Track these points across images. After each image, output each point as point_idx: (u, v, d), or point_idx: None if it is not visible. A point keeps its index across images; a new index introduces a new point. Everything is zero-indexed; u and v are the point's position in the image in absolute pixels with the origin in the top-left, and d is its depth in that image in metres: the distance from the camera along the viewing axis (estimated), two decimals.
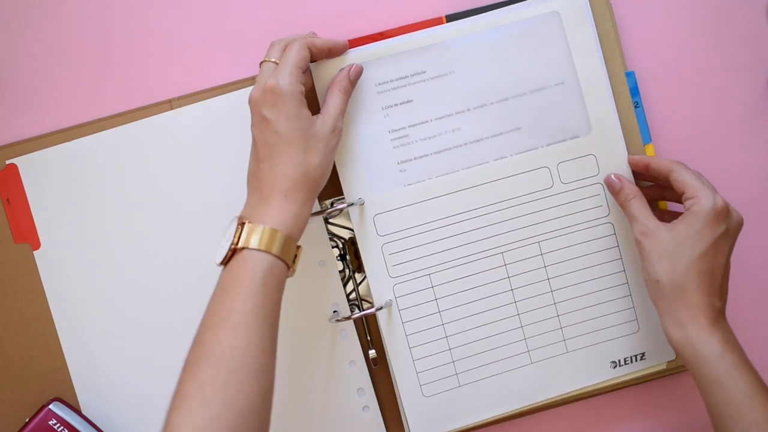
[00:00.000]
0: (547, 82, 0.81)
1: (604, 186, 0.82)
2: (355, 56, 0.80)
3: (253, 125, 0.74)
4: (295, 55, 0.74)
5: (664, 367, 0.84)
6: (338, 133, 0.75)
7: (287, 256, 0.70)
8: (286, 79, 0.72)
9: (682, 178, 0.76)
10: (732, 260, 0.84)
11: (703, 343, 0.72)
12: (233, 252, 0.70)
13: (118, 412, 0.82)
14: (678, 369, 0.84)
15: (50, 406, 0.79)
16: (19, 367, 0.82)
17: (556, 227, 0.82)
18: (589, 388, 0.83)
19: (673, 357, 0.83)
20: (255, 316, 0.68)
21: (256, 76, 0.76)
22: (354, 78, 0.78)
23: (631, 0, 0.85)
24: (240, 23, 0.84)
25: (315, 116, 0.74)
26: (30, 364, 0.82)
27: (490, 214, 0.81)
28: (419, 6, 0.84)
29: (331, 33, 0.84)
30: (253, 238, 0.70)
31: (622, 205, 0.79)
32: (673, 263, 0.74)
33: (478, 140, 0.81)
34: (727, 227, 0.74)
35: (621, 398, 0.86)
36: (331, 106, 0.76)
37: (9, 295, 0.82)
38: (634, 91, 0.84)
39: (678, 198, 0.78)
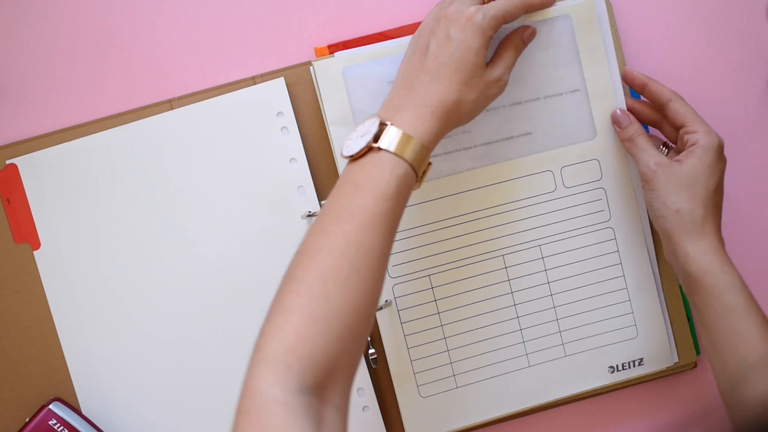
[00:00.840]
0: (562, 89, 0.81)
1: (606, 191, 0.82)
2: (356, 56, 0.80)
3: (432, 34, 0.73)
4: (509, 7, 0.74)
5: (663, 368, 0.84)
6: (502, 85, 0.75)
7: (419, 169, 0.70)
8: (489, 20, 0.72)
9: (683, 110, 0.78)
10: (732, 260, 0.85)
11: (724, 272, 0.74)
12: (369, 149, 0.69)
13: (118, 412, 0.82)
14: (678, 369, 0.85)
15: (50, 406, 0.79)
16: (19, 367, 0.82)
17: (558, 231, 0.82)
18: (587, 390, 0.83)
19: (672, 363, 0.83)
20: (384, 220, 0.67)
21: None
22: (527, 39, 0.78)
23: (631, 0, 0.85)
24: (240, 23, 0.84)
25: (487, 63, 0.75)
26: (30, 364, 0.82)
27: (491, 216, 0.81)
28: (419, 6, 0.84)
29: (331, 33, 0.84)
30: (396, 141, 0.68)
31: (629, 140, 0.79)
32: (693, 193, 0.75)
33: (488, 143, 0.81)
34: (724, 162, 0.77)
35: (620, 399, 0.86)
36: (503, 58, 0.76)
37: (9, 295, 0.82)
38: (634, 92, 0.83)
39: (671, 130, 0.80)
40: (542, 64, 0.81)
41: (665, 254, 0.78)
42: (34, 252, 0.82)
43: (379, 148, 0.68)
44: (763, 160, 0.86)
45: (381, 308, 0.81)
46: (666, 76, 0.85)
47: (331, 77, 0.80)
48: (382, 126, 0.69)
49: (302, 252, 0.66)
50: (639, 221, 0.82)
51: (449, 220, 0.81)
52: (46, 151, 0.82)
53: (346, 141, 0.71)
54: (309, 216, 0.81)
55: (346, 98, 0.80)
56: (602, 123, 0.81)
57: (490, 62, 0.75)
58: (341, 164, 0.80)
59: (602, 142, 0.82)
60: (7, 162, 0.82)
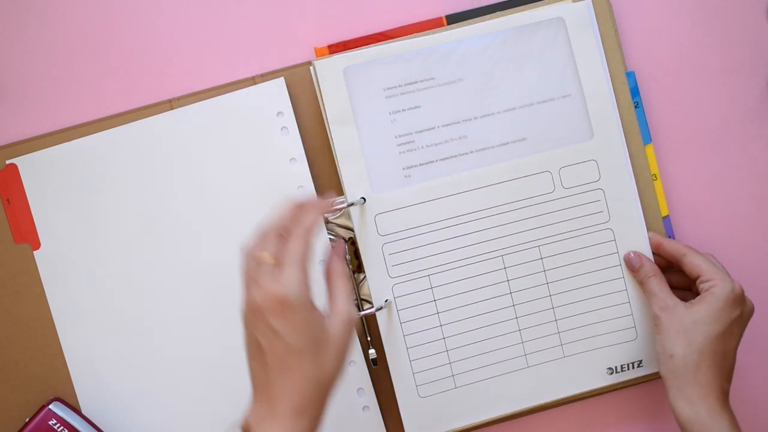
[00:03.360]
0: (554, 94, 0.81)
1: (605, 191, 0.82)
2: (356, 56, 0.80)
3: (256, 329, 0.66)
4: (299, 251, 0.67)
5: None
6: (352, 324, 0.68)
7: None
8: (295, 286, 0.65)
9: (697, 262, 0.78)
10: (732, 260, 0.85)
11: (713, 422, 0.74)
12: None
13: (118, 412, 0.82)
14: None
15: (50, 406, 0.79)
16: (19, 367, 0.82)
17: (557, 232, 0.82)
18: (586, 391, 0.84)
19: None
20: None
21: (246, 270, 0.68)
22: (343, 256, 0.76)
23: (631, 0, 0.85)
24: (240, 23, 0.84)
25: (324, 315, 0.67)
26: (30, 364, 0.82)
27: (491, 217, 0.81)
28: (419, 6, 0.84)
29: (331, 33, 0.84)
30: None
31: (641, 283, 0.81)
32: (689, 339, 0.75)
33: (483, 149, 0.81)
34: (742, 312, 0.76)
35: (619, 400, 0.86)
36: (339, 298, 0.69)
37: (9, 295, 0.82)
38: (634, 91, 0.84)
39: (686, 283, 0.80)
40: (536, 69, 0.81)
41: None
42: (34, 252, 0.82)
43: None
44: (763, 160, 0.86)
45: (381, 308, 0.81)
46: (666, 75, 0.86)
47: (332, 77, 0.80)
48: None
49: None
50: (638, 222, 0.82)
51: (448, 220, 0.81)
52: (46, 151, 0.82)
53: None
54: None
55: (346, 98, 0.80)
56: (599, 124, 0.82)
57: (329, 311, 0.69)
58: (342, 164, 0.81)
59: (599, 143, 0.82)
60: (7, 162, 0.82)
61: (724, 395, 0.75)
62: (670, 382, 0.76)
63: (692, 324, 0.76)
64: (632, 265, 0.81)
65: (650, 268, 0.81)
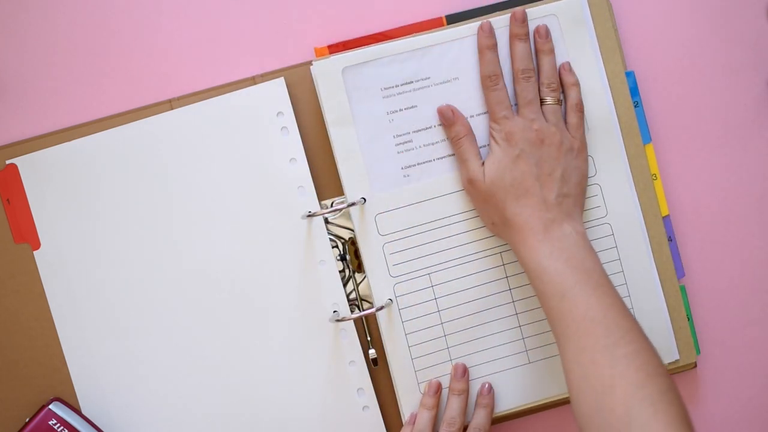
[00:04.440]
0: None
1: (602, 187, 0.82)
2: (355, 56, 0.80)
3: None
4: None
5: None
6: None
7: None
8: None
9: (485, 100, 0.80)
10: (732, 260, 0.85)
11: (530, 258, 0.74)
12: None
13: (118, 412, 0.82)
14: (677, 369, 0.84)
15: (50, 406, 0.79)
16: (19, 367, 0.82)
17: None
18: None
19: (673, 359, 0.83)
20: None
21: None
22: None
23: (631, 0, 0.85)
24: (240, 23, 0.84)
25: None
26: (30, 364, 0.82)
27: None
28: (419, 6, 0.84)
29: (332, 33, 0.84)
30: None
31: (452, 142, 0.80)
32: (494, 201, 0.77)
33: (481, 146, 0.81)
34: (521, 149, 0.76)
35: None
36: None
37: (9, 295, 0.82)
38: (634, 91, 0.84)
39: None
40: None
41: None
42: (34, 252, 0.82)
43: None
44: (764, 160, 0.86)
45: (382, 308, 0.81)
46: (666, 75, 0.86)
47: (331, 77, 0.80)
48: None
49: None
50: (636, 216, 0.82)
51: (447, 219, 0.81)
52: (46, 151, 0.82)
53: None
54: (309, 216, 0.81)
55: (345, 98, 0.80)
56: (594, 120, 0.82)
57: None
58: (341, 164, 0.81)
59: (595, 138, 0.82)
60: (7, 162, 0.82)
61: (544, 226, 0.75)
62: (509, 242, 0.77)
63: (490, 184, 0.77)
64: (445, 118, 0.80)
65: (462, 127, 0.80)
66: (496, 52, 0.80)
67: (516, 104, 0.79)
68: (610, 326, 0.70)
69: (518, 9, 0.80)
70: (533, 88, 0.79)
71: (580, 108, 0.80)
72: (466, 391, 0.81)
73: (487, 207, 0.78)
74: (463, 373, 0.81)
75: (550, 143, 0.77)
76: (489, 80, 0.79)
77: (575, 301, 0.72)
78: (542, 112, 0.78)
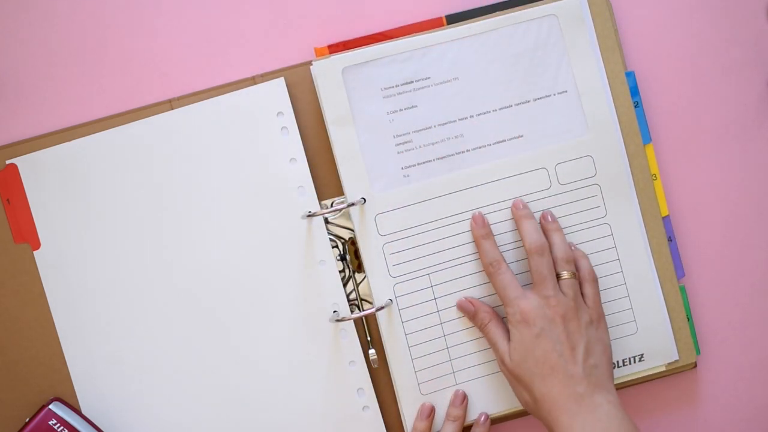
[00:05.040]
0: (550, 90, 0.82)
1: (601, 187, 0.82)
2: (355, 56, 0.80)
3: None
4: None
5: (663, 368, 0.84)
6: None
7: None
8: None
9: (494, 288, 0.79)
10: (732, 260, 0.85)
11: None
12: None
13: (118, 412, 0.82)
14: (677, 370, 0.84)
15: (50, 406, 0.79)
16: (19, 367, 0.82)
17: None
18: None
19: (673, 359, 0.83)
20: None
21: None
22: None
23: (631, 0, 0.85)
24: (240, 23, 0.84)
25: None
26: (30, 364, 0.82)
27: (489, 214, 0.81)
28: (419, 6, 0.84)
29: (331, 33, 0.84)
30: None
31: (480, 330, 0.81)
32: (523, 382, 0.76)
33: (480, 147, 0.81)
34: (541, 328, 0.76)
35: (622, 398, 0.85)
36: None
37: (9, 295, 0.82)
38: (634, 91, 0.84)
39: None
40: (531, 66, 0.82)
41: None
42: (34, 252, 0.82)
43: None
44: (764, 160, 0.86)
45: (382, 308, 0.81)
46: (666, 75, 0.86)
47: (331, 77, 0.80)
48: None
49: None
50: (635, 217, 0.82)
51: (447, 218, 0.81)
52: (46, 151, 0.82)
53: None
54: (309, 216, 0.81)
55: (345, 98, 0.80)
56: (594, 120, 0.82)
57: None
58: (341, 164, 0.81)
59: (595, 138, 0.82)
60: (7, 162, 0.82)
61: (576, 403, 0.74)
62: (545, 424, 0.76)
63: (517, 367, 0.76)
64: (467, 312, 0.81)
65: (486, 313, 0.80)
66: (493, 239, 0.80)
67: (531, 281, 0.79)
68: None
69: (516, 201, 0.81)
70: (548, 263, 0.78)
71: (594, 278, 0.80)
72: (462, 418, 0.81)
73: (518, 387, 0.77)
74: (462, 400, 0.81)
75: (570, 318, 0.76)
76: (491, 267, 0.79)
77: None
78: (559, 287, 0.78)
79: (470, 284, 0.82)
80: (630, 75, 0.84)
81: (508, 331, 0.79)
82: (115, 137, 0.82)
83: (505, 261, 0.79)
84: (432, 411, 0.81)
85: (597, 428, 0.72)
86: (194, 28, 0.84)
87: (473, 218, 0.81)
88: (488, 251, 0.80)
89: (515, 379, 0.77)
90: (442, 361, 0.82)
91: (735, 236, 0.86)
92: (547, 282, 0.77)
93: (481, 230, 0.80)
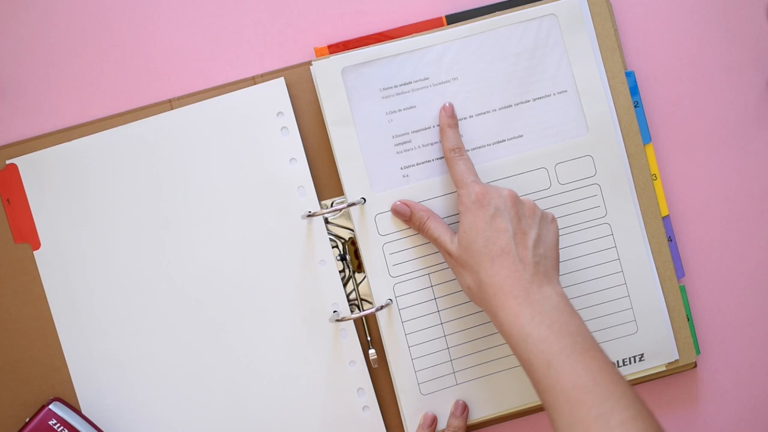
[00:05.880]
0: (549, 90, 0.82)
1: (601, 187, 0.82)
2: (355, 56, 0.80)
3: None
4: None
5: (663, 368, 0.84)
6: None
7: None
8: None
9: (451, 172, 0.79)
10: (732, 260, 0.84)
11: (512, 324, 0.71)
12: None
13: (118, 412, 0.82)
14: (677, 369, 0.84)
15: (50, 406, 0.79)
16: (19, 367, 0.82)
17: None
18: None
19: (673, 358, 0.83)
20: None
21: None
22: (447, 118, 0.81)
23: (631, 0, 0.85)
24: (240, 23, 0.84)
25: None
26: (30, 364, 0.82)
27: None
28: (419, 6, 0.84)
29: (331, 33, 0.84)
30: None
31: (419, 230, 0.80)
32: (469, 266, 0.74)
33: (479, 147, 0.81)
34: (495, 207, 0.74)
35: None
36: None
37: (9, 295, 0.82)
38: (634, 91, 0.84)
39: None
40: (530, 66, 0.82)
41: None
42: (34, 252, 0.82)
43: None
44: (764, 159, 0.86)
45: (382, 308, 0.81)
46: (666, 75, 0.86)
47: (331, 77, 0.80)
48: None
49: None
50: (635, 216, 0.82)
51: (447, 218, 0.81)
52: (46, 151, 0.82)
53: None
54: (309, 216, 0.81)
55: (345, 98, 0.80)
56: (593, 119, 0.82)
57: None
58: (341, 164, 0.81)
59: (594, 138, 0.82)
60: (7, 162, 0.82)
61: (524, 290, 0.71)
62: (486, 309, 0.74)
63: (465, 251, 0.75)
64: (403, 214, 0.80)
65: (422, 213, 0.80)
66: (457, 129, 0.80)
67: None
68: (602, 393, 0.66)
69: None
70: None
71: None
72: (463, 429, 0.81)
73: (463, 273, 0.76)
74: (462, 410, 0.81)
75: (525, 202, 0.76)
76: (453, 152, 0.79)
77: (562, 369, 0.67)
78: None
79: None
80: (630, 75, 0.84)
81: (447, 226, 0.78)
82: (115, 137, 0.82)
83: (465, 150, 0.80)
84: (434, 421, 0.81)
85: (544, 320, 0.70)
86: (194, 28, 0.84)
87: (443, 108, 0.81)
88: (451, 138, 0.79)
89: (460, 266, 0.75)
90: (442, 361, 0.82)
91: (735, 236, 0.86)
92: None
93: (449, 120, 0.80)
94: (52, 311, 0.82)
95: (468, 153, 0.81)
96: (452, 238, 0.77)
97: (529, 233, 0.74)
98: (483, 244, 0.74)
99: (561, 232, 0.82)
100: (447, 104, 0.81)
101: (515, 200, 0.75)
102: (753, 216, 0.86)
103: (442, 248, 0.78)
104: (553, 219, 0.77)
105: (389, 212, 0.81)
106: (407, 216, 0.80)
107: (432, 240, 0.79)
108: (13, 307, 0.82)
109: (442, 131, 0.80)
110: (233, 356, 0.82)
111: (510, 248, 0.73)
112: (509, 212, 0.74)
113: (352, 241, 0.83)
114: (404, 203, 0.80)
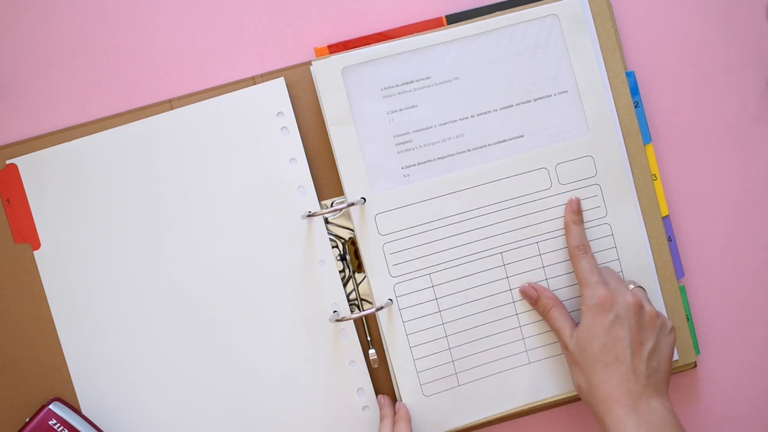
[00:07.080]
0: (550, 90, 0.82)
1: (602, 187, 0.82)
2: (355, 56, 0.80)
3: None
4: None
5: None
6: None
7: None
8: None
9: (575, 270, 0.79)
10: (732, 260, 0.84)
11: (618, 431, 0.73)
12: None
13: (118, 412, 0.82)
14: (678, 369, 0.84)
15: (50, 406, 0.79)
16: (19, 367, 0.82)
17: (555, 228, 0.82)
18: None
19: (673, 359, 0.83)
20: None
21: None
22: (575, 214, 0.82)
23: (631, 0, 0.85)
24: (240, 23, 0.84)
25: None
26: (30, 364, 0.82)
27: (489, 214, 0.81)
28: (419, 6, 0.84)
29: (331, 33, 0.84)
30: None
31: (543, 316, 0.81)
32: (582, 367, 0.76)
33: (480, 147, 0.81)
34: (616, 314, 0.76)
35: None
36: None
37: (9, 295, 0.82)
38: (634, 91, 0.84)
39: None
40: (531, 66, 0.82)
41: None
42: (34, 252, 0.82)
43: None
44: (764, 160, 0.86)
45: (382, 308, 0.81)
46: (666, 75, 0.86)
47: (331, 77, 0.80)
48: None
49: None
50: (635, 217, 0.82)
51: (447, 218, 0.81)
52: (46, 151, 0.82)
53: None
54: (309, 216, 0.81)
55: (345, 98, 0.80)
56: (594, 120, 0.82)
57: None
58: (341, 164, 0.81)
59: (595, 138, 0.82)
60: (7, 162, 0.82)
61: (632, 399, 0.73)
62: (592, 411, 0.76)
63: (580, 352, 0.76)
64: (530, 297, 0.81)
65: (548, 299, 0.81)
66: (583, 226, 0.81)
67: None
68: None
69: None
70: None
71: None
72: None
73: (576, 371, 0.77)
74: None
75: (648, 311, 0.77)
76: (578, 249, 0.80)
77: None
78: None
79: (472, 284, 0.82)
80: (630, 75, 0.84)
81: (570, 317, 0.79)
82: (115, 137, 0.82)
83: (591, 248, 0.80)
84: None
85: (650, 430, 0.72)
86: (194, 28, 0.84)
87: (570, 202, 0.81)
88: (576, 235, 0.80)
89: (574, 363, 0.77)
90: (444, 361, 0.82)
91: (735, 236, 0.86)
92: (622, 280, 0.78)
93: (574, 216, 0.81)
94: (52, 311, 0.82)
95: (469, 153, 0.81)
96: (572, 333, 0.78)
97: (645, 344, 0.76)
98: (599, 349, 0.75)
99: (561, 232, 0.82)
100: (573, 198, 0.81)
101: (638, 309, 0.76)
102: (753, 216, 0.86)
103: (560, 339, 0.79)
104: (673, 329, 0.78)
105: (389, 212, 0.81)
106: (534, 299, 0.81)
107: (553, 329, 0.80)
108: (13, 307, 0.82)
109: (567, 227, 0.81)
110: (233, 356, 0.82)
111: (625, 358, 0.75)
112: (629, 321, 0.76)
113: (352, 241, 0.83)
114: (533, 287, 0.81)
